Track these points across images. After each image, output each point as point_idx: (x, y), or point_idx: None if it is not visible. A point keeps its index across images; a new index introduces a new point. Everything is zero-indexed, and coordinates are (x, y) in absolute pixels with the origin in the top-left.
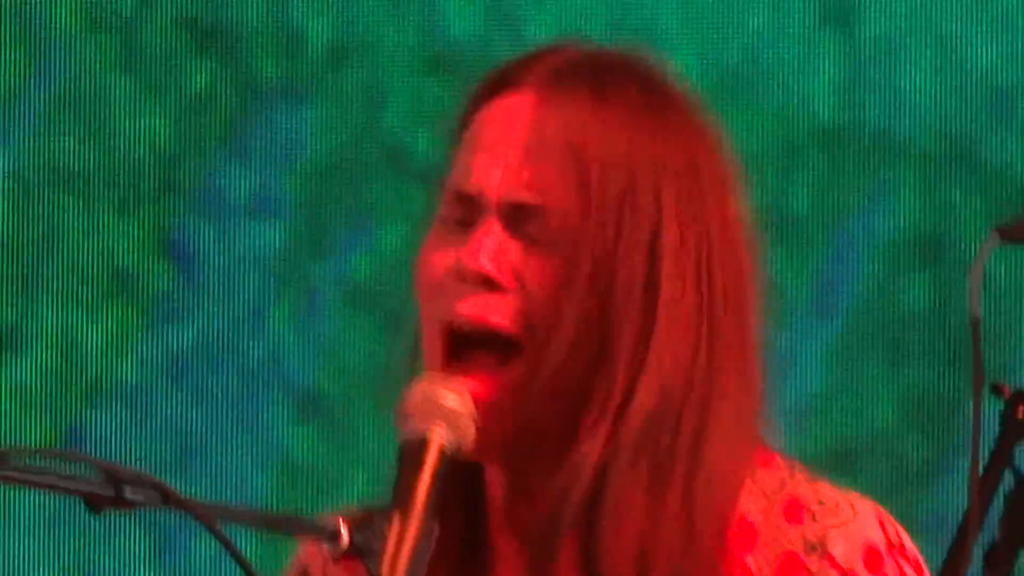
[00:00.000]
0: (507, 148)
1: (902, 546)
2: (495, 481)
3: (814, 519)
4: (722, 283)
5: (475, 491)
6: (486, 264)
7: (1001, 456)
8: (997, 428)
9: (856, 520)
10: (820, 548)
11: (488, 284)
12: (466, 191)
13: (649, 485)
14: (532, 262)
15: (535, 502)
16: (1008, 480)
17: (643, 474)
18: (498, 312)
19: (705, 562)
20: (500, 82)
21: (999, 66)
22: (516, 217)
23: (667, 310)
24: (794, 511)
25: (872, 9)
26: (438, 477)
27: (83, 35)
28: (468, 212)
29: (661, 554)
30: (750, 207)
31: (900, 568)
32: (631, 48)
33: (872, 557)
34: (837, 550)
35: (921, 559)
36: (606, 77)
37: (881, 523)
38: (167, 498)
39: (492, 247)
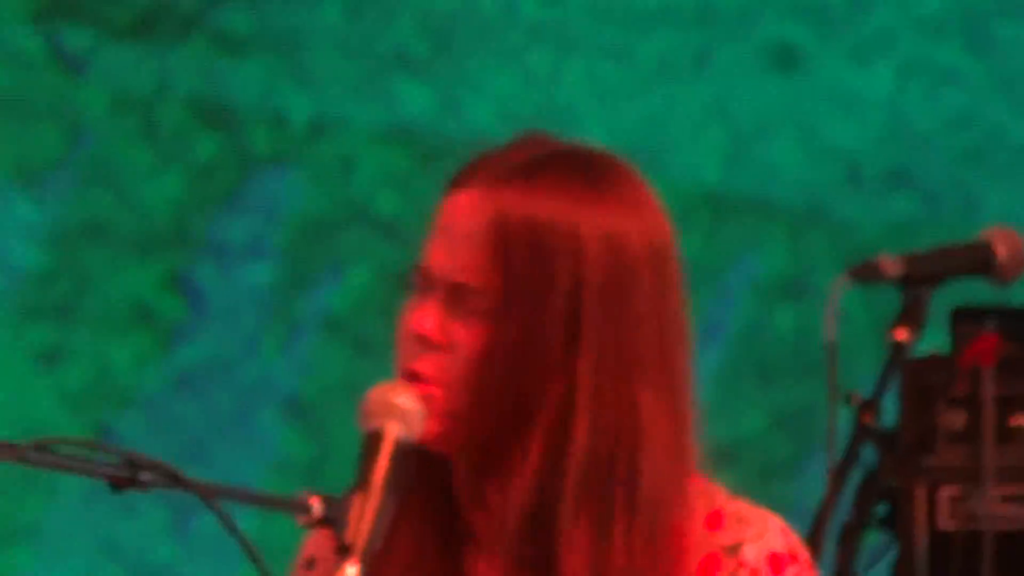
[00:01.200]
0: (452, 236)
1: (798, 555)
2: (459, 475)
3: (733, 526)
4: (648, 337)
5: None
6: (422, 327)
7: (852, 454)
8: (849, 431)
9: (767, 533)
10: (736, 552)
11: (423, 343)
12: (422, 268)
13: (594, 519)
14: (464, 330)
15: (489, 506)
16: (857, 474)
17: (586, 508)
18: (426, 366)
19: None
20: (457, 179)
21: (850, 140)
22: (455, 293)
23: (588, 377)
24: (716, 521)
25: (748, 96)
26: (394, 462)
27: (109, 114)
28: (424, 285)
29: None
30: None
31: (797, 573)
32: (571, 142)
33: (775, 562)
34: (749, 555)
35: (813, 565)
36: (538, 172)
37: (785, 536)
38: (175, 479)
39: (430, 315)
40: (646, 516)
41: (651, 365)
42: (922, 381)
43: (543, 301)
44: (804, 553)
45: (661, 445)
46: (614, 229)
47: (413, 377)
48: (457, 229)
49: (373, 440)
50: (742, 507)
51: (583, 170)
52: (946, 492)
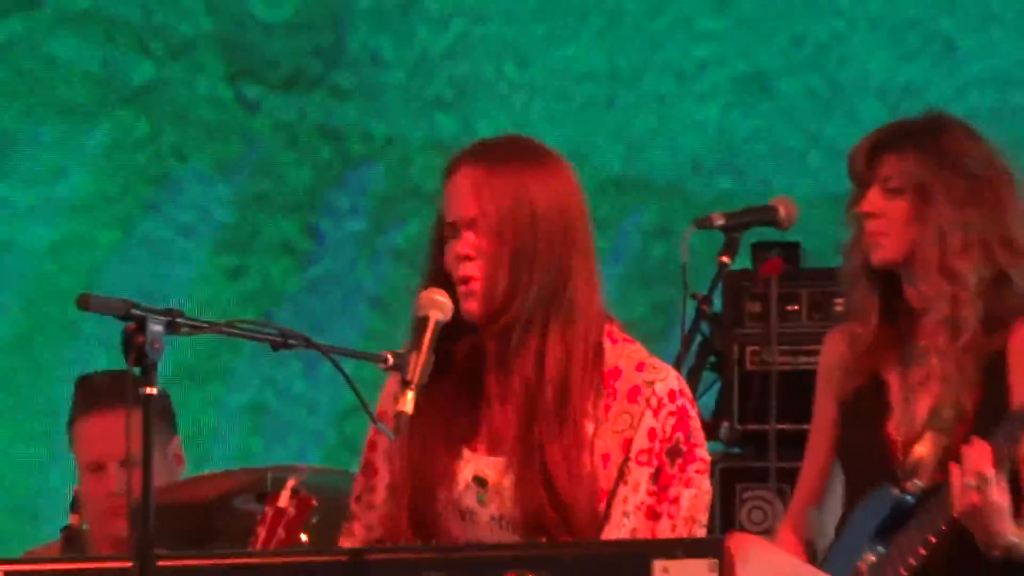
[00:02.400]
0: (463, 195)
1: (685, 392)
2: (487, 335)
3: (650, 372)
4: (576, 239)
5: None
6: (463, 250)
7: (695, 328)
8: (694, 315)
9: (669, 377)
10: (651, 385)
11: (465, 258)
12: (448, 223)
13: (544, 325)
14: (481, 243)
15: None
16: (698, 339)
17: (540, 319)
18: (470, 270)
19: (588, 377)
20: (454, 164)
21: (696, 146)
22: (472, 224)
23: (544, 258)
24: (641, 367)
25: (640, 124)
26: (434, 334)
27: (270, 133)
28: (452, 231)
29: (554, 370)
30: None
31: (683, 405)
32: (519, 136)
33: (672, 395)
34: (659, 389)
35: (693, 402)
36: (499, 154)
37: (679, 381)
38: (308, 342)
39: (464, 243)
40: (576, 323)
41: (577, 252)
42: (736, 285)
43: (520, 223)
44: (688, 392)
45: (583, 287)
46: (549, 182)
47: (465, 280)
48: (464, 190)
49: (422, 321)
50: (657, 361)
51: (531, 152)
52: (749, 349)
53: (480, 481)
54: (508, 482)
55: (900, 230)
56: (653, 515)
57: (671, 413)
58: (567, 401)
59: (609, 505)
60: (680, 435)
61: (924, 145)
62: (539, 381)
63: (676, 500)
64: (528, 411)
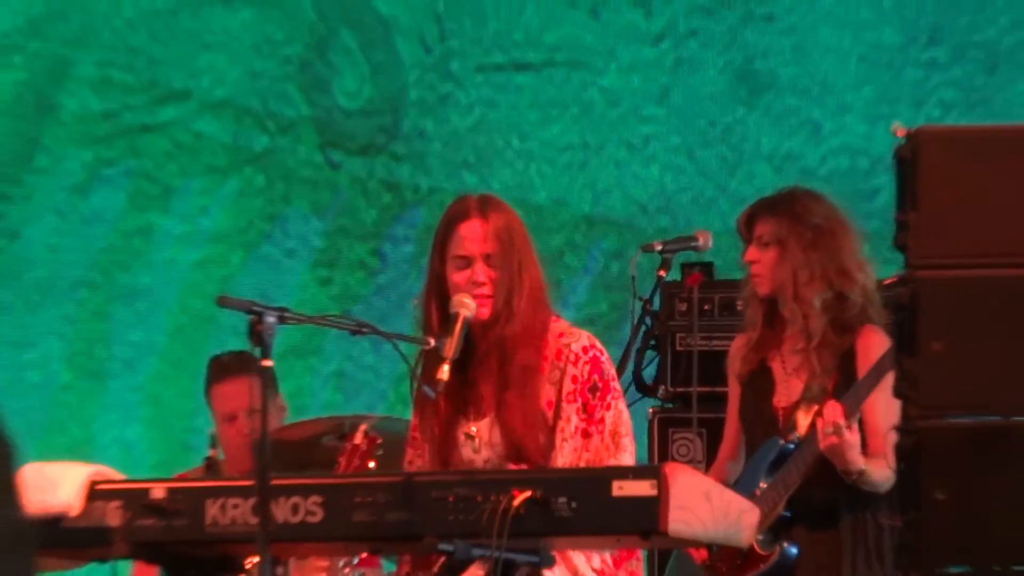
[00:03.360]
0: (475, 237)
1: (596, 346)
2: (492, 328)
3: (567, 336)
4: (534, 261)
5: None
6: (478, 277)
7: (640, 320)
8: (639, 312)
9: (582, 337)
10: (568, 345)
11: (478, 283)
12: (465, 256)
13: (507, 303)
14: (491, 272)
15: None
16: (643, 329)
17: (514, 302)
18: (483, 290)
19: (535, 346)
20: (464, 214)
21: (643, 194)
22: (484, 258)
23: (528, 284)
24: (563, 335)
25: (600, 176)
26: (463, 327)
27: (349, 186)
28: (465, 263)
29: (520, 347)
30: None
31: (594, 355)
32: (492, 194)
33: (585, 349)
34: (573, 347)
35: (603, 352)
36: (490, 209)
37: (591, 339)
38: (375, 330)
39: (479, 270)
40: (526, 311)
41: (534, 267)
42: (669, 291)
43: (513, 253)
44: (599, 345)
45: (538, 291)
46: (516, 223)
47: (481, 296)
48: (477, 236)
49: (455, 317)
50: (572, 328)
51: (502, 205)
52: (678, 335)
53: (469, 436)
54: (497, 437)
55: (770, 272)
56: (586, 435)
57: (585, 362)
58: (526, 374)
59: (553, 436)
60: (596, 376)
61: (781, 211)
62: (512, 363)
63: (601, 420)
64: (501, 385)
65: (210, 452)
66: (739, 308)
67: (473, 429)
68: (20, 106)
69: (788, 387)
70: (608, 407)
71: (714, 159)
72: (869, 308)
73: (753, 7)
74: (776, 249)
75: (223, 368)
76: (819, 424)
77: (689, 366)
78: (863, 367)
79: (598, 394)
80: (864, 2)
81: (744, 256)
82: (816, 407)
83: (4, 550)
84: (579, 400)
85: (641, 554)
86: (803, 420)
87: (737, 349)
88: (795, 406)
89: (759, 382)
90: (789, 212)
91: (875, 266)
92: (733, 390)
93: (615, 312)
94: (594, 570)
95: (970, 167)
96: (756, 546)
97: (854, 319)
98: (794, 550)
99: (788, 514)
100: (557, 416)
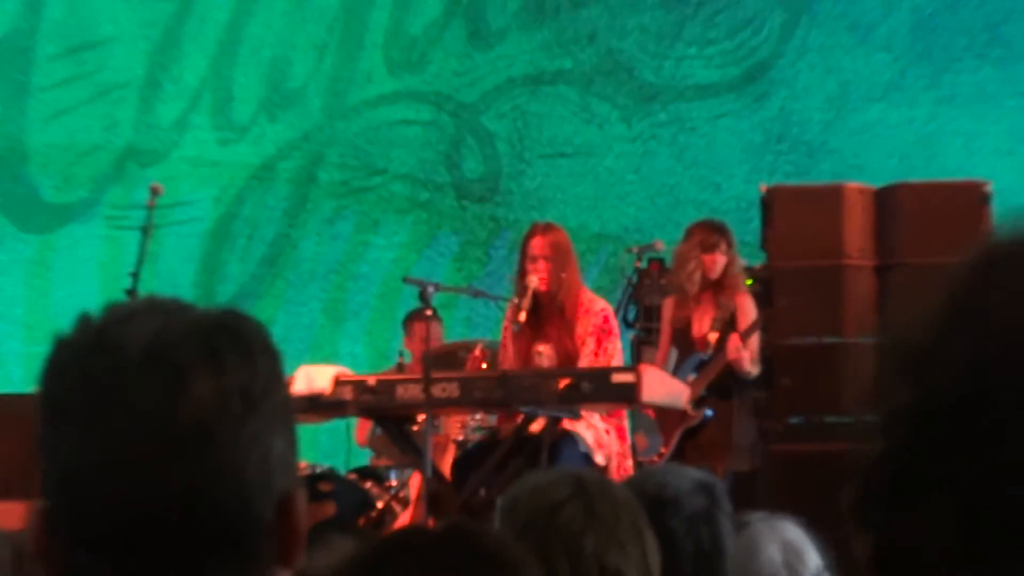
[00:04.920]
0: (538, 246)
1: (608, 308)
2: (546, 296)
3: (592, 303)
4: (575, 261)
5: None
6: (537, 272)
7: (625, 290)
8: (625, 285)
9: (598, 303)
10: (591, 308)
11: (540, 275)
12: (531, 255)
13: (557, 286)
14: (548, 265)
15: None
16: (628, 293)
17: (559, 289)
18: (542, 279)
19: (572, 305)
20: (532, 232)
21: (628, 220)
22: (544, 258)
23: (568, 271)
24: (591, 301)
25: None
26: (532, 294)
27: (458, 214)
28: (531, 260)
29: (566, 310)
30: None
31: (606, 315)
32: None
33: (601, 311)
34: (595, 308)
35: (614, 313)
36: (547, 229)
37: (604, 303)
38: (486, 294)
39: (539, 267)
40: (566, 286)
41: (573, 261)
42: (640, 274)
43: (559, 254)
44: (610, 309)
45: (575, 275)
46: (562, 236)
47: (539, 277)
48: (539, 244)
49: (526, 289)
50: (596, 297)
51: (553, 226)
52: (646, 298)
53: (539, 353)
54: (551, 352)
55: (711, 266)
56: (597, 353)
57: (598, 316)
58: (572, 323)
59: (579, 356)
60: (605, 326)
61: (724, 232)
62: (561, 315)
63: (605, 350)
64: (559, 325)
65: (399, 359)
66: (665, 283)
67: (542, 348)
68: (297, 178)
69: (700, 325)
70: (610, 339)
71: (666, 205)
72: (740, 282)
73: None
74: (723, 253)
75: (411, 315)
76: (729, 344)
77: (651, 311)
78: (740, 314)
79: (602, 337)
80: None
81: (710, 259)
82: (717, 335)
83: (291, 415)
84: (595, 334)
85: (625, 413)
86: (712, 341)
87: (667, 304)
88: (705, 335)
89: (684, 323)
90: (726, 232)
91: (748, 261)
92: (665, 327)
93: (613, 285)
94: (601, 420)
95: (799, 206)
96: (689, 409)
97: (734, 287)
98: (710, 412)
99: (706, 393)
100: (583, 343)
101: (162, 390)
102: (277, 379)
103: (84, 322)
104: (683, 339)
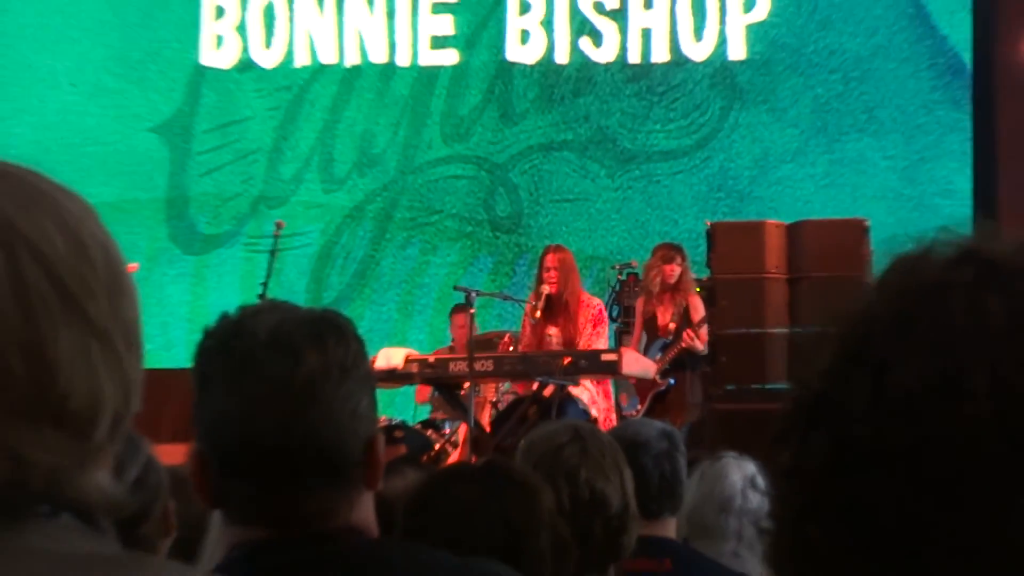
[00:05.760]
0: (554, 261)
1: (602, 306)
2: (556, 298)
3: (590, 300)
4: (576, 273)
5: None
6: (550, 278)
7: (610, 295)
8: (610, 291)
9: (595, 301)
10: (589, 304)
11: (551, 281)
12: (548, 267)
13: (572, 297)
14: (557, 275)
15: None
16: (612, 297)
17: (570, 294)
18: (552, 283)
19: (575, 302)
20: (546, 250)
21: (606, 262)
22: (555, 267)
23: (571, 279)
24: (589, 299)
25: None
26: (546, 296)
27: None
28: (546, 271)
29: (571, 305)
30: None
31: (600, 310)
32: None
33: (597, 307)
34: (592, 304)
35: (605, 308)
36: (558, 249)
37: (599, 301)
38: (510, 297)
39: (552, 275)
40: (570, 290)
41: (576, 273)
42: (621, 283)
43: (566, 267)
44: (603, 306)
45: (576, 282)
46: (567, 254)
47: (551, 284)
48: (552, 260)
49: (542, 293)
50: (592, 297)
51: (563, 248)
52: (624, 301)
53: (549, 336)
54: (559, 335)
55: (670, 273)
56: (592, 337)
57: (594, 311)
58: (575, 315)
59: (579, 339)
60: (599, 316)
61: (679, 250)
62: (567, 309)
63: (600, 334)
64: (565, 317)
65: (452, 343)
66: (638, 289)
67: (551, 332)
68: (379, 216)
69: (663, 317)
70: (602, 325)
71: (639, 235)
72: (692, 286)
73: None
74: (679, 265)
75: (456, 308)
76: (684, 334)
77: (629, 309)
78: (692, 310)
79: (596, 322)
80: None
81: (670, 267)
82: (675, 325)
83: (373, 382)
84: (591, 321)
85: (611, 381)
86: (671, 329)
87: (639, 302)
88: (667, 325)
89: (651, 316)
90: (681, 251)
91: (698, 275)
92: (638, 319)
93: (602, 292)
94: (593, 385)
95: (733, 236)
96: (657, 379)
97: (687, 290)
98: (672, 381)
99: (669, 367)
100: (583, 329)
101: (282, 362)
102: (363, 356)
103: (224, 317)
104: (651, 328)
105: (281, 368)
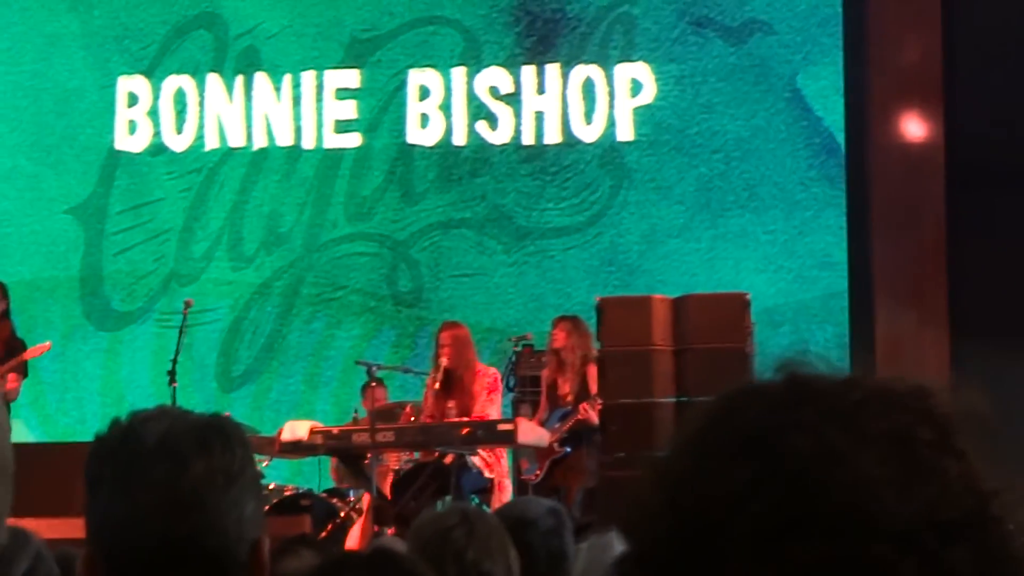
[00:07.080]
0: (446, 337)
1: (496, 374)
2: (453, 375)
3: (485, 370)
4: (471, 347)
5: None
6: (447, 350)
7: (507, 365)
8: (507, 362)
9: (490, 371)
10: (485, 374)
11: (448, 353)
12: (440, 343)
13: (468, 375)
14: (451, 350)
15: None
16: (510, 368)
17: (470, 374)
18: (448, 355)
19: (471, 373)
20: (442, 328)
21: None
22: (449, 344)
23: (466, 352)
24: (484, 369)
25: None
26: (444, 369)
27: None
28: (442, 346)
29: (464, 375)
30: None
31: (496, 378)
32: None
33: (492, 376)
34: (489, 373)
35: (499, 377)
36: (454, 324)
37: (494, 371)
38: (409, 370)
39: (446, 350)
40: (466, 362)
41: (469, 347)
42: (517, 355)
43: (459, 341)
44: (497, 374)
45: (471, 355)
46: (464, 331)
47: (447, 357)
48: (446, 337)
49: (440, 364)
50: (487, 367)
51: (461, 324)
52: (520, 372)
53: (449, 409)
54: (456, 407)
55: (565, 345)
56: (486, 405)
57: (489, 380)
58: (470, 386)
59: (475, 405)
60: (493, 384)
61: (569, 320)
62: (462, 382)
63: (493, 400)
64: (460, 389)
65: (355, 415)
66: (544, 360)
67: (450, 405)
68: (286, 292)
69: (565, 388)
70: (496, 392)
71: (534, 308)
72: (589, 357)
73: None
74: (565, 333)
75: (365, 385)
76: (580, 407)
77: (523, 382)
78: (591, 380)
79: (492, 391)
80: None
81: (554, 341)
82: (574, 396)
83: (260, 486)
84: (485, 393)
85: (506, 451)
86: (571, 399)
87: (544, 374)
88: (566, 395)
89: (551, 383)
90: (578, 323)
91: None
92: (543, 388)
93: (499, 363)
94: (488, 453)
95: (621, 310)
96: (554, 447)
97: (585, 362)
98: (568, 449)
99: (568, 436)
100: (478, 398)
101: (169, 469)
102: (250, 462)
103: (115, 423)
104: (552, 396)
105: (167, 474)
